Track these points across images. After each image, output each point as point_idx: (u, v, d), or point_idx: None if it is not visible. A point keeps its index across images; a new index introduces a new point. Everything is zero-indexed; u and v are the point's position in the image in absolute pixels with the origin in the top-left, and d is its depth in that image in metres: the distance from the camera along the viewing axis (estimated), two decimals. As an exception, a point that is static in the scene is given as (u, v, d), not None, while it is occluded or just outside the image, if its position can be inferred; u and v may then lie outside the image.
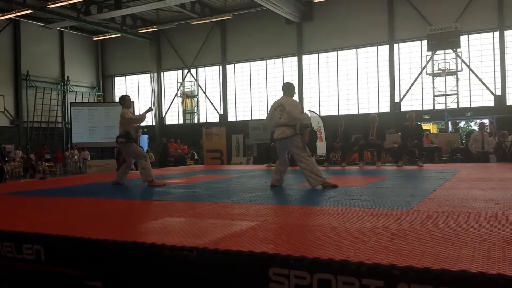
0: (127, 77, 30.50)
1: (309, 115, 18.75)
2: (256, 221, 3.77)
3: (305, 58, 24.36)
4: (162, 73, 28.90)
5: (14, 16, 22.07)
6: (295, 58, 24.51)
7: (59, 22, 24.21)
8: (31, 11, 21.37)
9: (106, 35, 27.24)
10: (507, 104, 20.13)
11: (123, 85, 30.74)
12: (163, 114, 28.78)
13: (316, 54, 24.08)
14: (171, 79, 28.80)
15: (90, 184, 8.36)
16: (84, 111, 26.63)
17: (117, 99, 29.65)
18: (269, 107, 6.64)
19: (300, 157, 6.15)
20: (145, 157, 7.46)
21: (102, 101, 30.15)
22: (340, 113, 22.91)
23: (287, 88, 6.48)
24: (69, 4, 21.13)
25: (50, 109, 27.12)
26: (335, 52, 23.63)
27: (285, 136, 6.15)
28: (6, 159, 21.08)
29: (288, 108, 6.13)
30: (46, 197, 6.30)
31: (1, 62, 24.61)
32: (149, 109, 7.81)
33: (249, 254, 2.62)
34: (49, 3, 20.60)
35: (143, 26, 26.13)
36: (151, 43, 28.16)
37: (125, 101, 7.53)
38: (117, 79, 30.95)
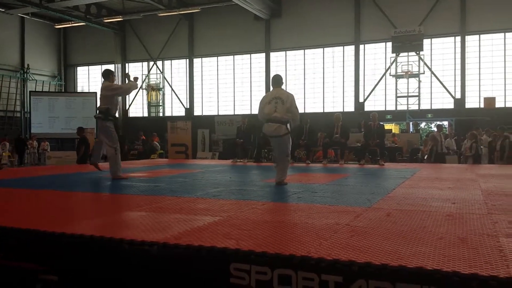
0: (90, 67, 29.70)
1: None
2: (219, 216, 3.75)
3: (273, 55, 24.42)
4: (127, 64, 28.30)
5: (-29, 0, 21.12)
6: (263, 55, 24.53)
7: (20, 8, 23.26)
8: (-9, -5, 20.51)
9: (69, 23, 26.41)
10: (466, 107, 20.84)
11: (85, 75, 29.92)
12: (127, 106, 28.23)
13: (284, 52, 24.18)
14: (136, 70, 28.21)
15: (49, 176, 8.12)
16: (44, 101, 25.79)
17: (79, 89, 29.14)
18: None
19: (285, 155, 6.21)
20: (117, 149, 6.96)
21: (63, 90, 29.25)
22: (305, 111, 23.11)
23: (279, 80, 6.32)
24: (31, -11, 20.39)
25: (8, 98, 26.11)
26: (302, 51, 23.79)
27: (279, 134, 6.01)
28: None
29: (288, 104, 5.95)
30: (3, 188, 6.07)
31: (-44, 47, 23.52)
32: (136, 78, 7.32)
33: (211, 249, 2.61)
34: (10, -12, 19.81)
35: (108, 16, 25.46)
36: (116, 34, 27.53)
37: (110, 74, 7.06)
38: (79, 68, 30.11)
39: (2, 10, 23.49)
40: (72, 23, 26.23)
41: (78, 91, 29.03)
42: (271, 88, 6.47)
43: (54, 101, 26.01)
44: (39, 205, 4.62)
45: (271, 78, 6.57)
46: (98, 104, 7.10)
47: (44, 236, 3.07)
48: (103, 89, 6.98)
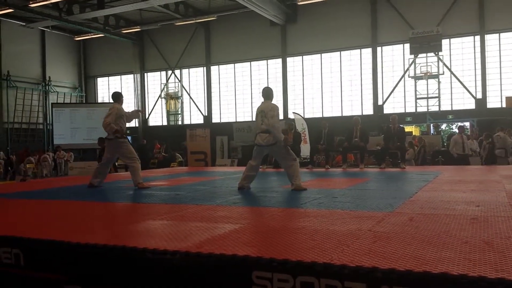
0: (109, 77, 30.19)
1: (293, 117, 18.86)
2: (240, 224, 3.75)
3: (289, 60, 24.43)
4: (145, 74, 28.68)
5: (-6, 15, 21.70)
6: (279, 60, 24.56)
7: (40, 22, 23.84)
8: (12, 10, 21.01)
9: (88, 35, 26.92)
10: (488, 107, 20.47)
11: (105, 86, 30.40)
12: (147, 116, 28.55)
13: (300, 56, 24.16)
14: (154, 80, 28.60)
15: (72, 186, 8.24)
16: (66, 112, 26.26)
17: (99, 100, 29.59)
18: (254, 109, 6.72)
19: (286, 160, 6.32)
20: (138, 158, 7.37)
21: (84, 102, 29.77)
22: (324, 115, 23.03)
23: (267, 93, 6.61)
24: (51, 3, 20.84)
25: (31, 110, 26.69)
26: (319, 55, 23.75)
27: (268, 143, 6.26)
28: None
29: (269, 118, 6.21)
30: (27, 200, 6.18)
31: (-19, 62, 24.16)
32: (138, 111, 7.79)
33: (232, 257, 2.61)
34: (31, 2, 20.28)
35: (126, 26, 25.89)
36: (135, 44, 27.93)
37: (120, 97, 7.54)
38: (99, 79, 30.61)
39: (23, 24, 24.07)
40: (91, 35, 26.73)
41: (98, 101, 29.48)
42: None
43: (75, 112, 26.48)
44: (63, 216, 4.69)
45: (261, 90, 6.79)
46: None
47: (68, 246, 3.11)
48: (112, 110, 7.25)
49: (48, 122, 27.44)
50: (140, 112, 8.08)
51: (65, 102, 28.25)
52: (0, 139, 24.69)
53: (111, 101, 7.65)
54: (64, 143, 25.05)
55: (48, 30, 26.22)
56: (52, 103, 26.97)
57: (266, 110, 6.32)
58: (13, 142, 25.39)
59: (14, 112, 25.72)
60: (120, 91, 8.00)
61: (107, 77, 30.24)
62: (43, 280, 3.18)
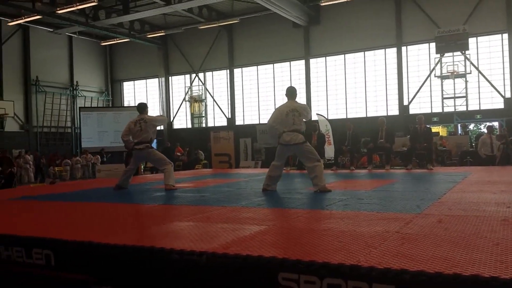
0: (135, 81, 30.66)
1: (317, 118, 18.76)
2: (265, 225, 3.76)
3: (312, 61, 24.33)
4: (170, 77, 29.01)
5: (23, 22, 22.25)
6: (302, 62, 24.49)
7: (68, 28, 24.41)
8: (40, 16, 21.55)
9: (114, 40, 27.41)
10: (517, 106, 19.97)
11: (131, 90, 30.90)
12: (171, 119, 28.86)
13: (324, 58, 24.04)
14: (179, 83, 28.91)
15: (100, 188, 8.39)
16: (93, 116, 26.79)
17: (125, 104, 30.07)
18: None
19: (311, 161, 6.24)
20: (170, 162, 7.59)
21: (110, 105, 30.31)
22: (348, 116, 22.82)
23: (293, 92, 6.61)
24: (78, 9, 21.29)
25: (59, 114, 27.31)
26: (343, 55, 23.58)
27: (296, 142, 6.19)
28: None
29: (303, 117, 6.30)
30: (56, 202, 6.33)
31: (11, 68, 24.83)
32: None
33: (258, 259, 2.62)
34: (58, 9, 20.77)
35: (151, 31, 26.26)
36: (159, 48, 28.30)
37: (146, 108, 7.75)
38: (125, 83, 31.12)
39: (51, 30, 24.67)
40: (117, 40, 27.19)
41: (124, 105, 29.95)
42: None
43: (102, 116, 26.97)
44: (91, 217, 4.78)
45: (286, 90, 6.77)
46: (139, 134, 7.45)
47: (97, 247, 3.17)
48: (147, 120, 7.44)
49: (76, 126, 28.03)
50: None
51: (92, 106, 28.83)
52: (30, 142, 25.33)
53: (136, 104, 7.83)
54: (92, 146, 25.57)
55: (75, 35, 26.81)
56: (79, 107, 27.58)
57: (300, 110, 6.29)
58: (42, 145, 26.01)
59: (43, 116, 26.37)
60: (141, 102, 8.14)
61: (132, 81, 30.71)
62: (73, 280, 3.25)
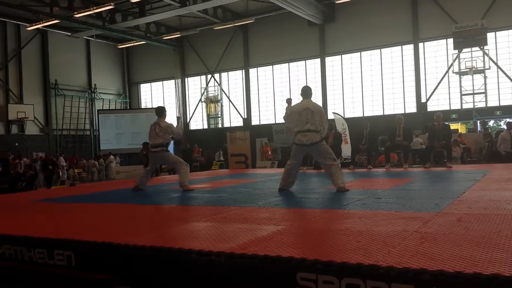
0: (152, 83, 30.92)
1: (333, 117, 18.67)
2: (282, 225, 3.76)
3: (328, 60, 24.21)
4: (186, 78, 29.18)
5: (41, 27, 22.68)
6: (318, 60, 24.39)
7: (85, 31, 24.76)
8: (58, 21, 21.92)
9: (131, 43, 27.71)
10: (538, 101, 19.57)
11: (148, 92, 31.18)
12: (188, 120, 29.03)
13: (339, 56, 23.90)
14: (195, 84, 29.06)
15: (119, 190, 8.49)
16: (111, 118, 27.13)
17: (143, 105, 30.36)
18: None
19: (328, 160, 6.21)
20: (186, 163, 7.65)
21: (128, 108, 30.64)
22: (364, 115, 22.65)
23: (308, 91, 6.60)
24: (95, 13, 21.59)
25: (78, 117, 27.73)
26: (359, 53, 23.41)
27: (313, 142, 6.15)
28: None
29: (318, 117, 6.21)
30: (76, 203, 6.43)
31: (30, 72, 25.33)
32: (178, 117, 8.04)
33: (276, 259, 2.62)
34: (75, 13, 21.09)
35: (167, 33, 26.47)
36: (175, 49, 28.50)
37: (164, 112, 7.80)
38: (142, 86, 31.40)
39: (68, 34, 25.06)
40: (133, 42, 27.49)
41: (142, 107, 30.23)
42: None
43: (120, 118, 27.30)
44: (111, 218, 4.85)
45: (301, 89, 6.75)
46: (154, 137, 7.56)
47: (117, 248, 3.22)
48: (162, 125, 7.53)
49: (94, 128, 28.42)
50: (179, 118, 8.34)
51: (110, 108, 29.19)
52: (50, 145, 25.76)
53: (154, 106, 7.90)
54: (110, 148, 25.88)
55: (92, 39, 27.20)
56: (98, 110, 27.97)
57: (314, 110, 6.26)
58: (62, 148, 26.43)
59: (63, 119, 26.79)
60: (160, 105, 8.23)
61: (149, 83, 30.98)
62: (94, 281, 3.30)
